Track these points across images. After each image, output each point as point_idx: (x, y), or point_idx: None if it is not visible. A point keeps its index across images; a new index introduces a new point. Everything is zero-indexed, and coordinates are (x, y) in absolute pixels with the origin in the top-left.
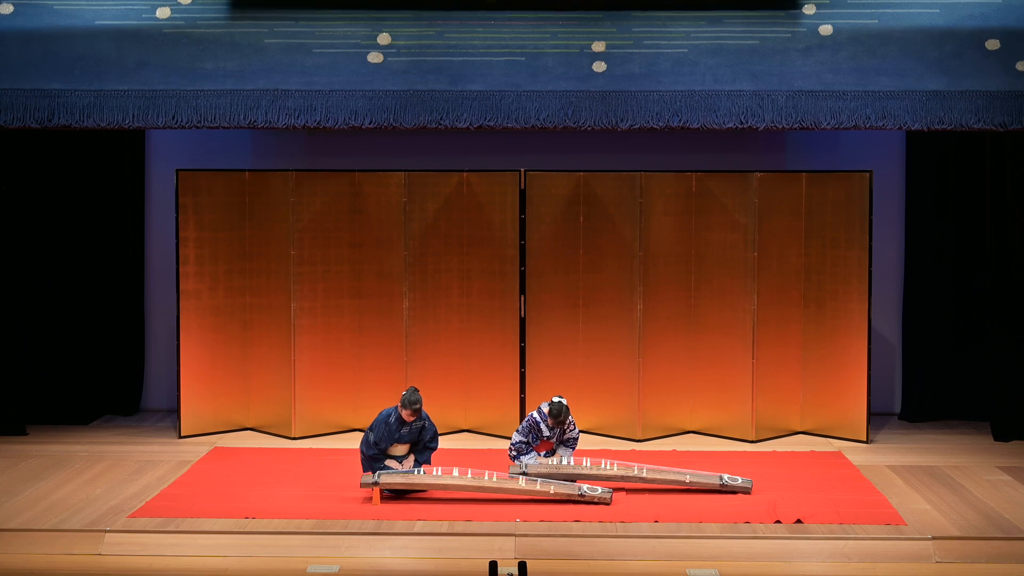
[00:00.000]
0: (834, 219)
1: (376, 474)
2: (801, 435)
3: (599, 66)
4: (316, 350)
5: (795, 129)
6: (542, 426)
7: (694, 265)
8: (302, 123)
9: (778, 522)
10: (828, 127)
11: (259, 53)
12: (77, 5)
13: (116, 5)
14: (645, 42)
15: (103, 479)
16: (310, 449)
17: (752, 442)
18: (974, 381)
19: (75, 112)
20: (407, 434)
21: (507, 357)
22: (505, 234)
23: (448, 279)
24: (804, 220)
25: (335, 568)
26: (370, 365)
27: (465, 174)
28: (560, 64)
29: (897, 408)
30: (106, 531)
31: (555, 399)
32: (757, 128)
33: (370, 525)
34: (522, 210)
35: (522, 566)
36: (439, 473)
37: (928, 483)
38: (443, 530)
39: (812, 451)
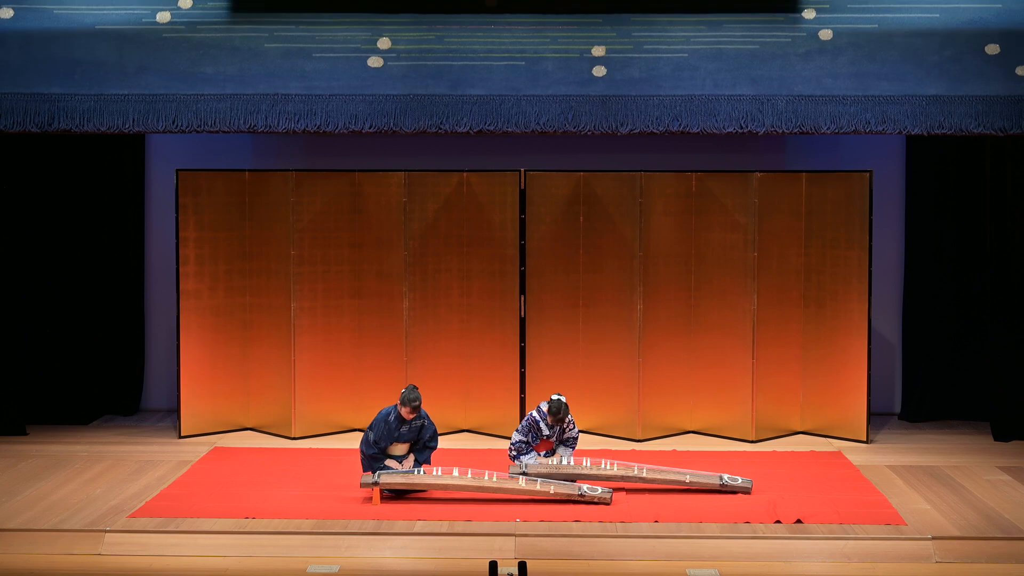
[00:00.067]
0: (834, 219)
1: (376, 474)
2: (801, 435)
3: (599, 70)
4: (316, 350)
5: (795, 134)
6: (541, 425)
7: (694, 265)
8: (302, 127)
9: (778, 522)
10: (828, 132)
11: (259, 57)
12: (77, 9)
13: (116, 9)
14: (645, 47)
15: (103, 479)
16: (310, 449)
17: (752, 442)
18: (974, 381)
19: (75, 116)
20: (407, 433)
21: (507, 357)
22: (505, 234)
23: (448, 279)
24: (804, 220)
25: (335, 568)
26: (370, 365)
27: (465, 174)
28: (560, 68)
29: (897, 408)
30: (106, 531)
31: (554, 397)
32: (757, 133)
33: (370, 525)
34: (522, 210)
35: (522, 566)
36: (439, 473)
37: (928, 483)
38: (443, 530)
39: (812, 451)
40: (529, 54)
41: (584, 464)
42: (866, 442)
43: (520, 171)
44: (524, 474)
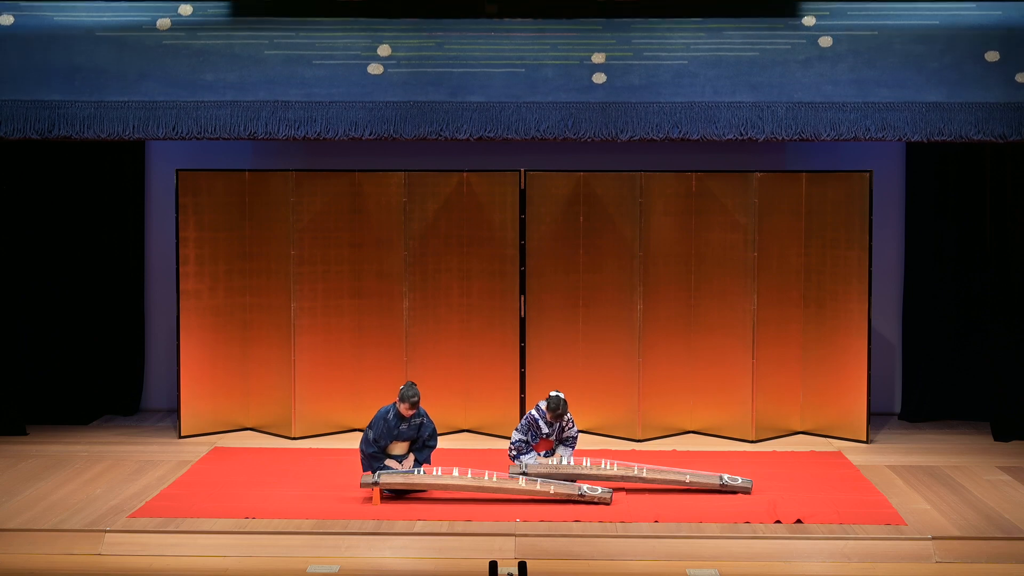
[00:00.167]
0: (834, 219)
1: (376, 474)
2: (801, 435)
3: (599, 77)
4: (316, 350)
5: (795, 140)
6: (541, 423)
7: (694, 265)
8: (302, 134)
9: (778, 522)
10: (828, 138)
11: (259, 64)
12: (77, 16)
13: (116, 16)
14: (645, 54)
15: (103, 479)
16: (310, 449)
17: (752, 442)
18: (974, 381)
19: (75, 123)
20: (406, 430)
21: (507, 357)
22: (505, 234)
23: (448, 279)
24: (804, 220)
25: (335, 568)
26: (370, 365)
27: (465, 174)
28: (560, 75)
29: (897, 408)
30: (106, 531)
31: (553, 393)
32: (757, 140)
33: (370, 525)
34: (522, 210)
35: (522, 566)
36: (439, 473)
37: (928, 483)
38: (443, 530)
39: (812, 451)
40: (529, 61)
41: (584, 464)
42: (866, 442)
43: (520, 171)
44: (524, 474)
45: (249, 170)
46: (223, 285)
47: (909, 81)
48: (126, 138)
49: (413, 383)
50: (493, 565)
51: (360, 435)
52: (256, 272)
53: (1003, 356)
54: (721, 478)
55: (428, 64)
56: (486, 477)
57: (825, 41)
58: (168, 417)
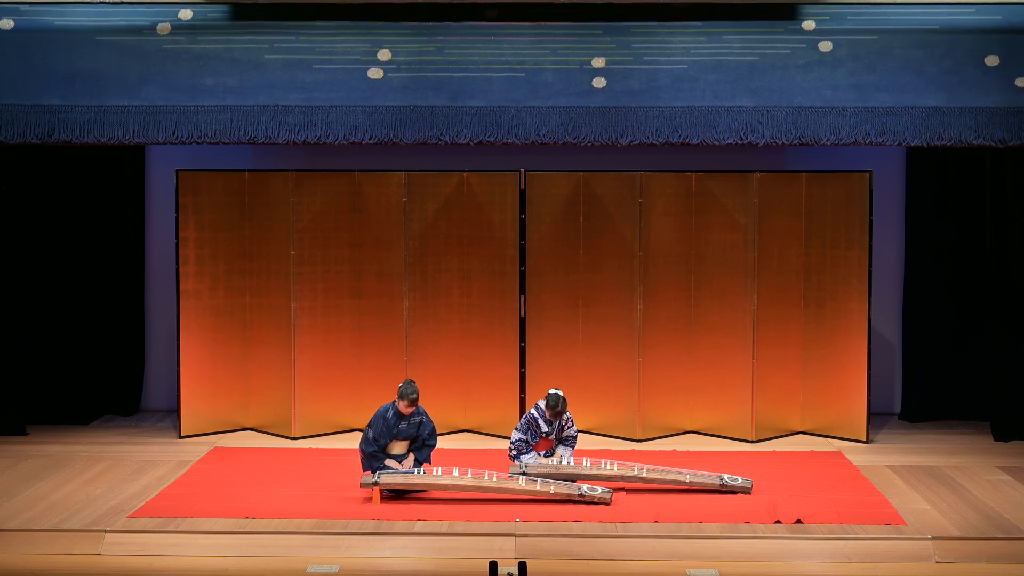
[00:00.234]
0: (834, 219)
1: (376, 474)
2: (801, 435)
3: (599, 82)
4: (316, 350)
5: (795, 145)
6: (540, 422)
7: (694, 265)
8: (302, 139)
9: (778, 522)
10: (828, 143)
11: (259, 69)
12: (78, 21)
13: (117, 21)
14: (645, 58)
15: (103, 479)
16: (310, 449)
17: (752, 442)
18: (974, 381)
19: (75, 128)
20: (405, 429)
21: (507, 357)
22: (505, 234)
23: (448, 279)
24: (804, 220)
25: (335, 568)
26: (370, 365)
27: (465, 174)
28: (560, 80)
29: (897, 408)
30: (106, 531)
31: (552, 391)
32: (757, 144)
33: (370, 525)
34: (522, 210)
35: (522, 566)
36: (439, 473)
37: (928, 483)
38: (443, 530)
39: (812, 451)
40: (529, 65)
41: (584, 464)
42: (866, 442)
43: (520, 171)
44: (524, 474)
45: (249, 170)
46: (223, 285)
47: (909, 85)
48: (126, 143)
49: (412, 381)
50: (493, 565)
51: (360, 435)
52: (256, 272)
53: (1003, 356)
54: (721, 478)
55: (428, 68)
56: (486, 477)
57: (825, 45)
58: (168, 417)
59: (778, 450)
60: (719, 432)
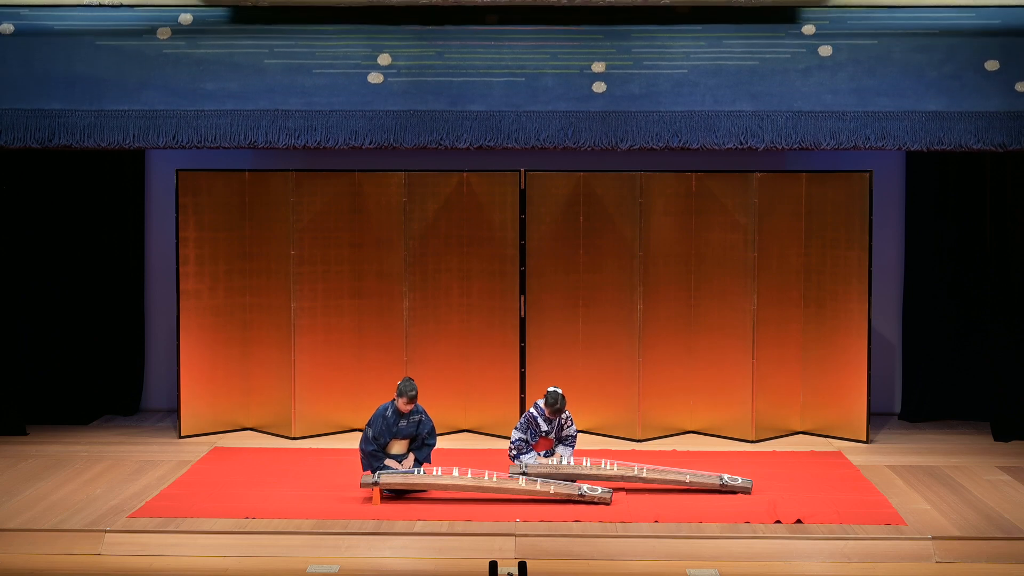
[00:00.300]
0: (834, 219)
1: (376, 474)
2: (801, 435)
3: (599, 86)
4: (316, 350)
5: (795, 149)
6: (540, 420)
7: (694, 265)
8: (302, 143)
9: (778, 522)
10: (828, 147)
11: (260, 73)
12: (78, 25)
13: (117, 25)
14: (645, 63)
15: (103, 479)
16: (310, 449)
17: (752, 442)
18: (974, 381)
19: (76, 132)
20: (405, 427)
21: (507, 357)
22: (505, 234)
23: (448, 279)
24: (804, 220)
25: (335, 568)
26: (370, 365)
27: (465, 174)
28: (560, 84)
29: (897, 408)
30: (106, 531)
31: (551, 389)
32: (757, 148)
33: (370, 525)
34: (522, 210)
35: (522, 566)
36: (439, 473)
37: (928, 483)
38: (443, 530)
39: (812, 451)
40: (529, 70)
41: (584, 464)
42: (866, 442)
43: (520, 171)
44: (524, 474)
45: (249, 170)
46: (223, 285)
47: (909, 90)
48: (126, 147)
49: (411, 378)
50: (493, 565)
51: (360, 435)
52: (256, 272)
53: (1003, 356)
54: (721, 478)
55: (428, 73)
56: (486, 477)
57: (825, 50)
58: (168, 417)
59: (778, 450)
60: (719, 432)
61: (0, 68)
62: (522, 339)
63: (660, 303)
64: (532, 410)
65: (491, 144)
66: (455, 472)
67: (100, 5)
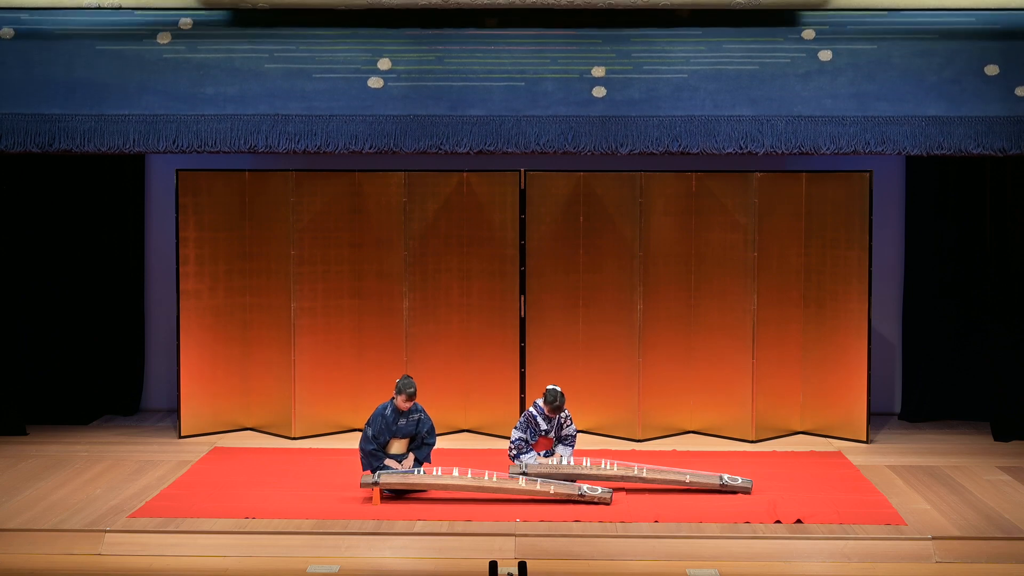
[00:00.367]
0: (834, 219)
1: (376, 474)
2: (801, 435)
3: (599, 91)
4: (316, 350)
5: (795, 154)
6: (539, 419)
7: (694, 265)
8: (302, 148)
9: (778, 522)
10: (827, 152)
11: (260, 78)
12: (78, 30)
13: (117, 30)
14: (645, 67)
15: (103, 479)
16: (310, 449)
17: (752, 442)
18: (974, 381)
19: (76, 137)
20: (404, 426)
21: (507, 357)
22: (505, 234)
23: (448, 279)
24: (804, 220)
25: (335, 568)
26: (370, 365)
27: (465, 174)
28: (560, 89)
29: (897, 408)
30: (106, 531)
31: (550, 387)
32: (756, 153)
33: (370, 525)
34: (522, 210)
35: (522, 566)
36: (439, 473)
37: (928, 483)
38: (443, 530)
39: (812, 451)
40: (529, 75)
41: (584, 464)
42: (866, 442)
43: (520, 171)
44: (524, 474)
45: (249, 170)
46: (223, 285)
47: (909, 95)
48: (127, 151)
49: (409, 376)
50: (493, 565)
51: (360, 435)
52: (256, 272)
53: (1003, 356)
54: (721, 478)
55: (428, 78)
56: (486, 477)
57: (825, 55)
58: (168, 417)
59: (778, 450)
60: (719, 432)
61: (0, 72)
62: (522, 339)
63: (660, 303)
64: (531, 409)
65: (491, 149)
66: (455, 472)
67: (99, 8)
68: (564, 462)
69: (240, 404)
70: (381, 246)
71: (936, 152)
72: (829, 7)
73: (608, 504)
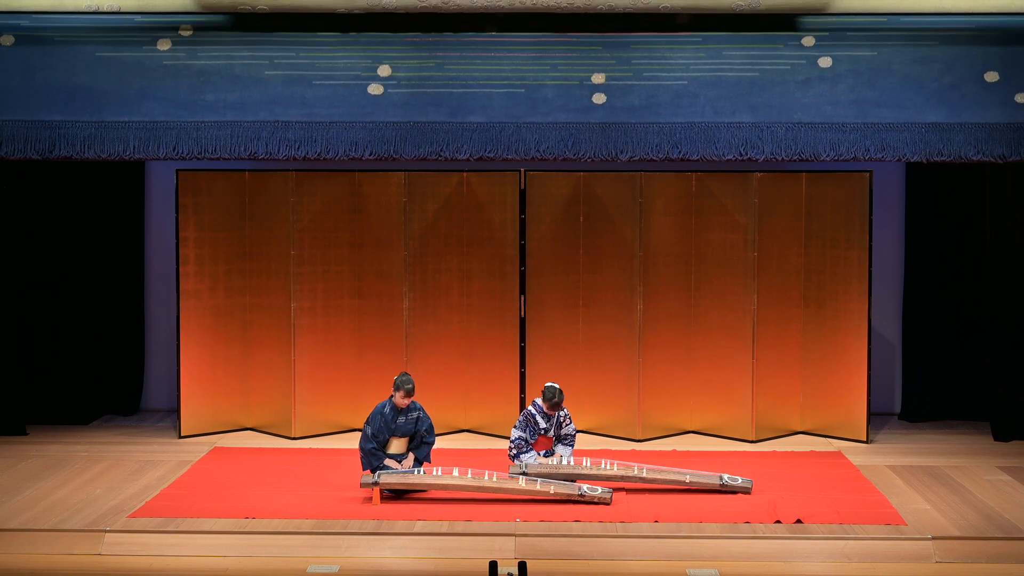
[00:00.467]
0: (834, 219)
1: (376, 474)
2: (801, 435)
3: (599, 98)
4: (316, 350)
5: (794, 160)
6: (538, 418)
7: (694, 265)
8: (303, 154)
9: (778, 522)
10: (827, 159)
11: (260, 85)
12: (78, 36)
13: (117, 37)
14: (645, 74)
15: (103, 479)
16: (310, 449)
17: (752, 442)
18: (974, 381)
19: (76, 143)
20: (403, 424)
21: (507, 357)
22: (505, 234)
23: (448, 279)
24: (804, 220)
25: (335, 568)
26: (370, 365)
27: (465, 174)
28: (560, 96)
29: (897, 408)
30: (106, 531)
31: (548, 384)
32: (756, 159)
33: (370, 525)
34: (522, 210)
35: (522, 566)
36: (439, 473)
37: (928, 483)
38: (443, 530)
39: (812, 451)
40: (529, 81)
41: (584, 464)
42: (866, 442)
43: (520, 171)
44: (524, 474)
45: (249, 170)
46: (223, 285)
47: (909, 101)
48: (127, 158)
49: (407, 373)
50: (493, 565)
51: (360, 434)
52: (256, 272)
53: (1003, 356)
54: (721, 478)
55: (428, 84)
56: (486, 477)
57: (825, 61)
58: (168, 417)
59: (778, 450)
60: (719, 432)
61: (0, 79)
62: (522, 339)
63: (660, 303)
64: (530, 408)
65: (491, 155)
66: (455, 472)
67: (99, 12)
68: (564, 462)
69: (240, 404)
70: (381, 246)
71: (936, 159)
72: (829, 11)
73: (608, 504)
